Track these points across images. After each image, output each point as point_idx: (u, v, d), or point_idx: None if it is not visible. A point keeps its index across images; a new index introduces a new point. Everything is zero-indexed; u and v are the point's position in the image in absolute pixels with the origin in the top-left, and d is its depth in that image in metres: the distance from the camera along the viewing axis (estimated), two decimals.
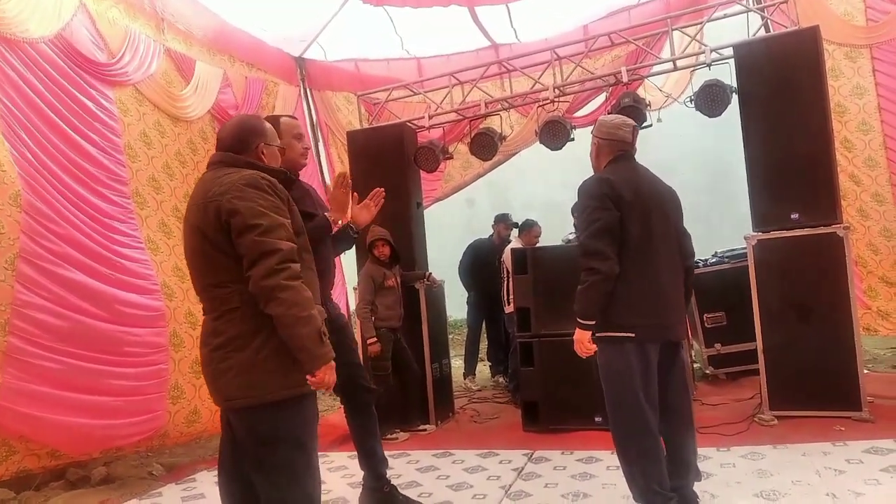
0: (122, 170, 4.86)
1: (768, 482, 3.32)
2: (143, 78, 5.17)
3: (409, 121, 6.02)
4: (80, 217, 4.43)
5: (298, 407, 2.11)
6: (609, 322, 2.71)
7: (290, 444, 2.11)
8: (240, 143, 2.27)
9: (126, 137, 4.98)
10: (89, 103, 4.68)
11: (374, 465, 3.39)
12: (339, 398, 3.54)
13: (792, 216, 4.42)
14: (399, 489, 3.50)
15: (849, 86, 5.79)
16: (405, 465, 4.16)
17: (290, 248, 2.04)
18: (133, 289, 4.65)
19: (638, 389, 2.68)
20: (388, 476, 3.45)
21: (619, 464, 2.85)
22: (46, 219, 4.17)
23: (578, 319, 2.73)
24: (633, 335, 2.67)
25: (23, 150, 4.13)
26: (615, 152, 2.88)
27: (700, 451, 3.73)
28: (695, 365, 5.93)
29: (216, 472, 2.38)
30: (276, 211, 2.08)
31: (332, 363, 2.06)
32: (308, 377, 2.04)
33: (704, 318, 5.81)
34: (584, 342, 2.74)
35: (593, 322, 2.71)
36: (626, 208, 2.68)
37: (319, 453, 2.16)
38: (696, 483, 2.93)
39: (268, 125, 2.38)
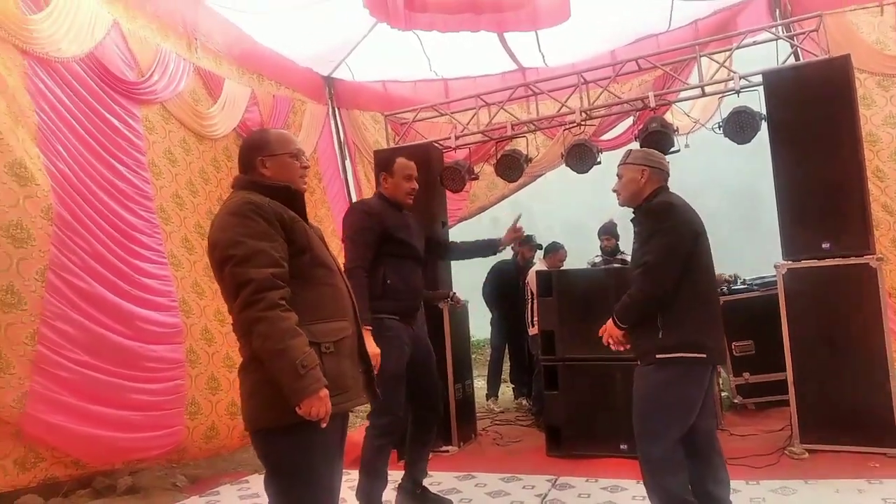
0: (147, 186, 4.91)
1: None
2: (172, 96, 5.22)
3: (435, 141, 6.04)
4: (107, 231, 4.48)
5: (297, 434, 2.00)
6: (680, 342, 2.70)
7: (287, 472, 2.06)
8: (244, 163, 2.27)
9: (150, 155, 5.02)
10: (115, 121, 4.73)
11: (415, 471, 3.75)
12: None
13: (823, 245, 4.35)
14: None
15: (881, 115, 5.71)
16: (427, 487, 4.11)
17: (266, 277, 1.96)
18: (152, 305, 4.69)
19: (693, 413, 2.71)
20: (423, 484, 3.80)
21: (644, 493, 2.81)
22: (74, 232, 4.22)
23: (617, 319, 2.84)
24: (704, 356, 2.70)
25: (58, 163, 4.20)
26: (662, 181, 2.93)
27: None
28: (723, 394, 5.83)
29: (240, 486, 2.39)
30: (258, 236, 2.01)
31: (320, 394, 1.95)
32: (296, 409, 1.95)
33: (733, 347, 5.71)
34: (616, 337, 2.86)
35: (626, 327, 2.83)
36: (694, 234, 2.77)
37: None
38: None
39: (273, 135, 2.32)
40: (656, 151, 3.08)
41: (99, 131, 4.60)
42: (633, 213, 2.96)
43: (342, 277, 2.28)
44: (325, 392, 1.97)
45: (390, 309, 3.44)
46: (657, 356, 2.72)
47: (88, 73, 4.57)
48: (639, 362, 2.84)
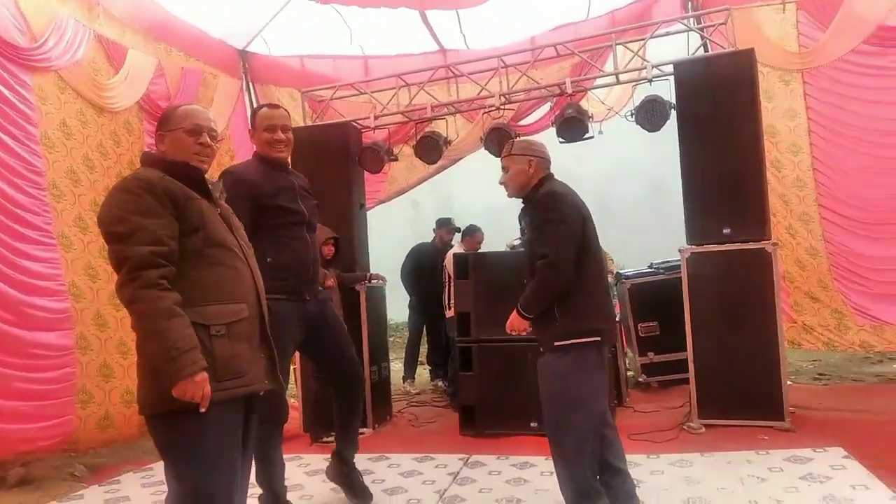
0: (37, 160, 4.60)
1: (695, 489, 3.41)
2: (68, 64, 4.89)
3: (354, 120, 5.95)
4: None
5: (189, 419, 1.93)
6: (575, 329, 2.75)
7: (180, 458, 2.02)
8: (155, 138, 2.28)
9: (43, 126, 4.70)
10: (3, 89, 4.40)
11: (342, 444, 3.61)
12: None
13: (724, 231, 4.55)
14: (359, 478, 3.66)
15: (781, 108, 6.01)
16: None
17: (144, 254, 1.91)
18: (37, 290, 4.43)
19: (600, 395, 2.78)
20: (353, 461, 3.64)
21: (552, 469, 2.87)
22: None
23: (523, 311, 2.82)
24: (598, 339, 2.77)
25: None
26: (547, 169, 2.96)
27: (630, 457, 3.80)
28: (628, 373, 6.06)
29: (143, 474, 2.29)
30: (142, 213, 1.95)
31: (195, 378, 1.88)
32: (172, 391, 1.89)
33: (639, 327, 5.94)
34: (519, 327, 2.85)
35: (531, 317, 2.83)
36: (584, 219, 2.82)
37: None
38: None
39: (179, 110, 2.23)
40: (536, 140, 3.11)
41: None
42: (523, 203, 2.97)
43: (245, 259, 2.20)
44: (201, 376, 1.90)
45: (274, 289, 2.85)
46: (555, 343, 2.77)
47: None
48: (540, 349, 2.87)
